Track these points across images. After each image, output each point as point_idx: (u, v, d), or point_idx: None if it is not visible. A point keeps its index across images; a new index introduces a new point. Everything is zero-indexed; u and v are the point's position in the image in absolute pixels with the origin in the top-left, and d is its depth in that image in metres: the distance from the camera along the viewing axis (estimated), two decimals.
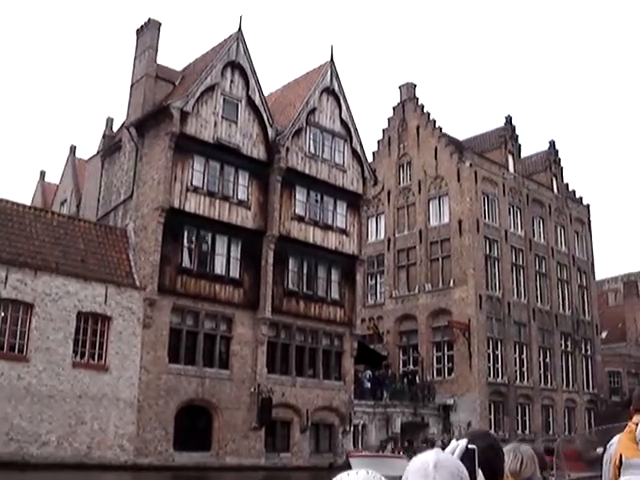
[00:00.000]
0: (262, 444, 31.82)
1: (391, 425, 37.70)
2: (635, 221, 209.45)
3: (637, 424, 4.10)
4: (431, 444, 32.90)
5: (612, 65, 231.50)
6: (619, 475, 4.03)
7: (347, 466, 32.65)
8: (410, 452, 30.27)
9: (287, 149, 34.16)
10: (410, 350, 46.14)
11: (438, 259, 46.10)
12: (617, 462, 4.11)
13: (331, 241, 35.53)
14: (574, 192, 56.19)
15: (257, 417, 31.34)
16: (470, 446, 2.41)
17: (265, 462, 31.65)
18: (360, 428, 36.66)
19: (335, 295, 35.48)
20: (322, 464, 32.51)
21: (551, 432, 46.78)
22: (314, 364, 34.50)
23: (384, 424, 37.77)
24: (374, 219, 50.10)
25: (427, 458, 2.24)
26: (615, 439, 4.37)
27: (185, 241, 30.87)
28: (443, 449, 2.41)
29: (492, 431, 42.37)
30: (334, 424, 35.02)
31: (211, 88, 32.28)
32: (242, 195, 32.64)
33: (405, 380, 41.92)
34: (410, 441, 34.10)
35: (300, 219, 34.47)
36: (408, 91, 51.05)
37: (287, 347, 33.60)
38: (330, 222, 35.74)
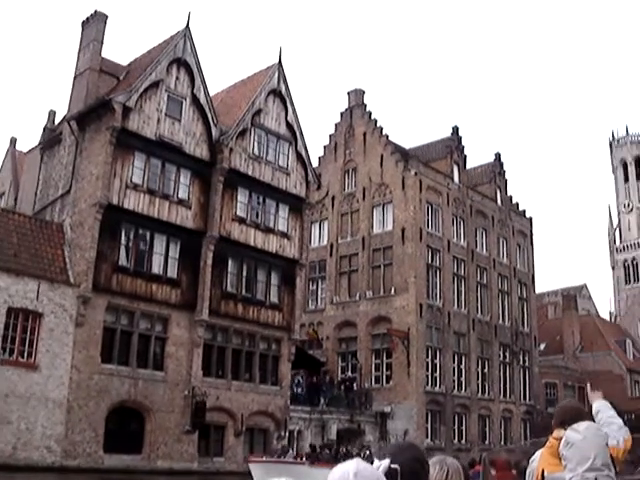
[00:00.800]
0: (195, 448, 31.24)
1: (327, 431, 37.43)
2: (575, 238, 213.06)
3: (558, 439, 4.10)
4: (334, 451, 32.91)
5: (559, 82, 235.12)
6: None
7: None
8: (312, 458, 29.77)
9: (230, 149, 33.72)
10: (349, 357, 45.92)
11: (380, 266, 45.97)
12: (539, 477, 4.21)
13: (272, 244, 35.13)
14: (517, 205, 56.67)
15: (190, 420, 30.76)
16: (393, 466, 2.50)
17: (198, 466, 31.07)
18: (296, 434, 36.30)
19: (274, 299, 35.08)
20: None
21: (487, 442, 47.05)
22: (250, 368, 34.03)
23: (320, 430, 37.47)
24: (317, 224, 49.92)
25: (348, 467, 2.33)
26: (537, 454, 4.44)
27: (122, 239, 30.14)
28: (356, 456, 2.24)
29: (429, 440, 42.59)
30: (269, 429, 34.61)
31: (155, 84, 31.70)
32: (183, 194, 32.06)
33: (343, 387, 41.70)
34: (313, 447, 33.20)
35: (241, 221, 34.00)
36: (356, 97, 50.93)
37: (223, 350, 33.05)
38: (272, 225, 35.35)
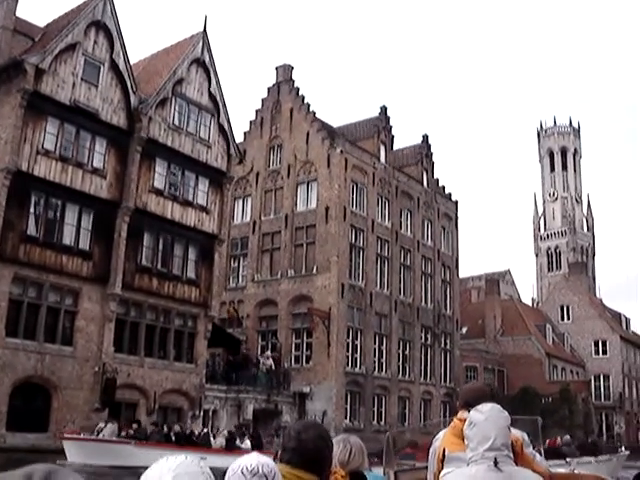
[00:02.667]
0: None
1: (243, 411, 36.63)
2: (501, 224, 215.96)
3: (461, 420, 4.26)
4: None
5: (491, 70, 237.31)
6: (442, 468, 4.22)
7: None
8: (140, 435, 27.30)
9: (150, 118, 32.51)
10: (269, 336, 45.18)
11: (302, 245, 45.26)
12: (440, 456, 4.35)
13: (190, 218, 34.04)
14: (444, 188, 56.53)
15: (100, 398, 29.61)
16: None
17: None
18: (211, 413, 35.46)
19: (191, 274, 34.03)
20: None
21: (407, 423, 46.96)
22: (165, 345, 32.96)
23: (236, 410, 36.67)
24: (241, 200, 49.01)
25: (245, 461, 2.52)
26: (440, 434, 4.62)
27: (32, 207, 28.60)
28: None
29: (347, 421, 42.26)
30: (183, 408, 33.65)
31: (72, 47, 30.24)
32: (98, 163, 30.72)
33: (261, 366, 40.88)
34: (138, 421, 29.26)
35: (158, 193, 32.82)
36: (285, 72, 49.92)
37: (137, 326, 31.85)
38: (190, 198, 34.22)
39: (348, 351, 43.51)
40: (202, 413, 34.43)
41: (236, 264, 48.45)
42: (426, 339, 51.06)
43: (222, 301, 45.93)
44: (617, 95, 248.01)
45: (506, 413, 3.93)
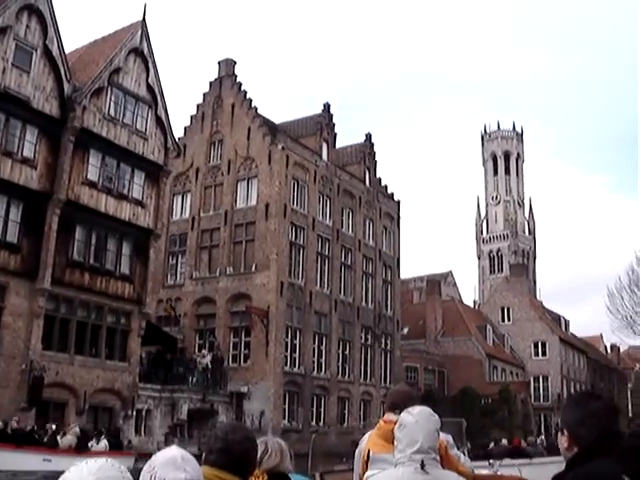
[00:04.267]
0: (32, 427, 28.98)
1: (177, 411, 35.67)
2: (444, 226, 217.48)
3: (387, 422, 4.45)
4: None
5: (439, 72, 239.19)
6: (367, 469, 4.42)
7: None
8: None
9: (84, 108, 31.39)
10: (207, 334, 44.27)
11: (242, 242, 44.45)
12: (365, 457, 4.52)
13: (125, 212, 32.96)
14: (386, 187, 56.24)
15: (27, 397, 28.47)
16: None
17: None
18: (144, 413, 34.44)
19: (125, 270, 32.94)
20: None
21: (346, 424, 46.49)
22: (96, 342, 31.78)
23: (170, 410, 35.70)
24: (180, 196, 48.06)
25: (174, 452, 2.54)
26: (366, 436, 4.80)
27: None
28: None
29: (286, 421, 41.61)
30: (115, 407, 32.57)
31: (2, 31, 28.91)
32: (28, 152, 29.48)
33: (197, 365, 39.93)
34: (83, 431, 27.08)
35: (92, 185, 31.67)
36: (227, 67, 49.05)
37: (67, 322, 30.61)
38: (125, 191, 33.13)
39: (287, 350, 42.85)
40: (135, 413, 33.43)
41: (174, 261, 47.45)
42: (366, 339, 50.67)
43: (159, 299, 45.00)
44: (559, 100, 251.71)
45: (436, 417, 3.96)
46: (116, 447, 25.98)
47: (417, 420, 3.81)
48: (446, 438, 4.65)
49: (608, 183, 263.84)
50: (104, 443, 26.09)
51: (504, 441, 33.97)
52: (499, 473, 12.34)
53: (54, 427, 26.55)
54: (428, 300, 71.30)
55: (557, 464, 3.18)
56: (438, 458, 3.84)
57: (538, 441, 39.66)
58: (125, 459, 23.71)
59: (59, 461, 22.90)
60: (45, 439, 25.64)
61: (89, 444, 26.03)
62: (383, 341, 52.67)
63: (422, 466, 3.66)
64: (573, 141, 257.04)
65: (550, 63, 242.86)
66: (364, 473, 4.46)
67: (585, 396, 3.13)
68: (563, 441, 2.96)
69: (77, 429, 26.28)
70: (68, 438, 25.67)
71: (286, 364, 42.58)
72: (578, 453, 2.85)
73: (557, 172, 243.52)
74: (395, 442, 3.85)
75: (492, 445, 34.20)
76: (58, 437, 25.97)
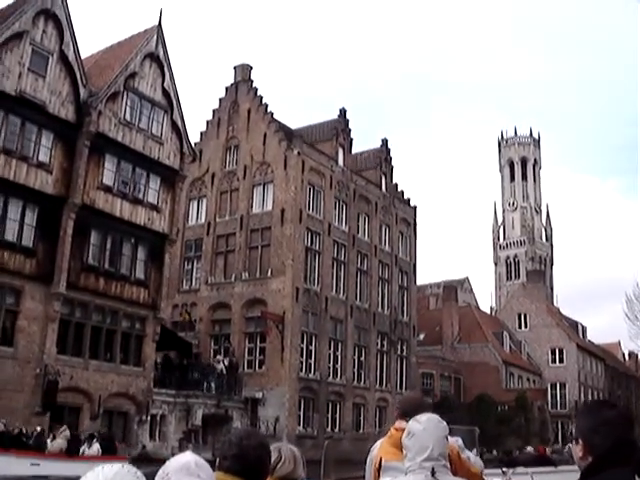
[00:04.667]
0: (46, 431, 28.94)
1: (192, 417, 35.59)
2: (461, 232, 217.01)
3: (398, 429, 4.38)
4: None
5: (456, 77, 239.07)
6: (379, 477, 4.42)
7: (144, 458, 30.41)
8: None
9: (99, 113, 31.42)
10: (222, 340, 44.19)
11: (257, 247, 44.35)
12: (377, 465, 4.49)
13: (140, 216, 32.94)
14: (402, 193, 56.03)
15: (41, 401, 28.44)
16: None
17: None
18: (159, 418, 34.38)
19: (140, 275, 32.92)
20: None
21: (361, 431, 46.20)
22: (111, 347, 31.80)
23: (185, 415, 35.63)
24: (196, 202, 48.05)
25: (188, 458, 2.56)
26: (378, 443, 4.76)
27: None
28: None
29: (301, 428, 41.41)
30: (129, 412, 32.54)
31: (19, 35, 29.03)
32: (44, 157, 29.54)
33: (211, 370, 39.81)
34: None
35: (107, 190, 31.69)
36: (243, 72, 49.02)
37: (82, 327, 30.64)
38: (141, 196, 33.14)
39: (302, 356, 42.68)
40: (149, 418, 33.38)
41: (190, 266, 47.40)
42: (382, 345, 50.44)
43: (175, 304, 44.97)
44: (577, 107, 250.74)
45: (444, 423, 3.93)
46: (109, 451, 24.89)
47: (425, 428, 3.80)
48: (456, 441, 4.64)
49: (620, 187, 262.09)
50: (96, 447, 24.87)
51: (529, 448, 33.63)
52: None
53: (38, 429, 25.64)
54: (444, 306, 70.99)
55: (572, 473, 3.17)
56: (448, 465, 3.83)
57: (565, 449, 39.18)
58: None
59: (48, 465, 22.29)
60: (31, 442, 24.69)
61: (81, 448, 24.98)
62: (399, 347, 52.41)
63: (432, 473, 3.66)
64: (586, 146, 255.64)
65: (566, 69, 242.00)
66: None
67: (599, 404, 3.06)
68: (577, 450, 2.90)
69: (67, 432, 25.40)
70: (58, 442, 24.82)
71: (301, 370, 42.42)
72: (593, 462, 2.78)
73: (572, 177, 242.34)
74: (404, 450, 3.85)
75: (517, 453, 33.87)
76: (48, 440, 25.11)
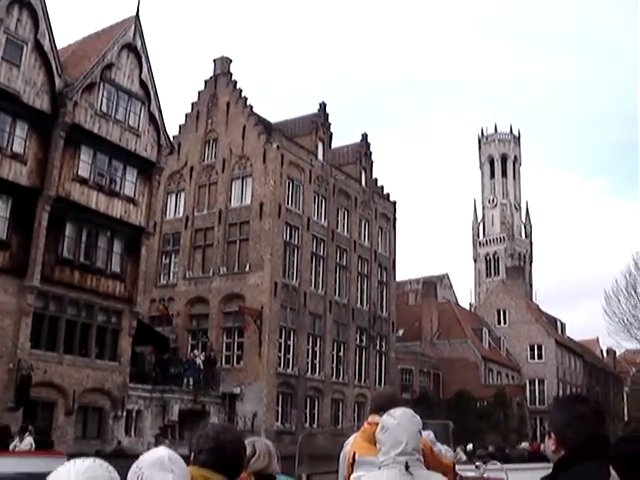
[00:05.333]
0: (18, 427, 28.37)
1: (168, 412, 35.18)
2: (441, 229, 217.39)
3: (372, 424, 4.43)
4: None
5: (438, 74, 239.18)
6: (352, 471, 4.42)
7: (118, 453, 30.03)
8: None
9: (75, 103, 30.87)
10: (200, 334, 43.76)
11: (236, 242, 43.94)
12: (350, 460, 4.51)
13: (116, 209, 32.43)
14: (382, 188, 55.78)
15: (14, 396, 27.96)
16: None
17: None
18: (134, 414, 33.93)
19: (116, 268, 32.40)
20: (88, 451, 29.38)
21: (340, 426, 45.93)
22: (86, 341, 31.25)
23: (161, 410, 35.21)
24: (174, 195, 47.56)
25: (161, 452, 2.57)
26: (351, 438, 4.85)
27: None
28: None
29: (279, 423, 41.10)
30: (105, 408, 32.07)
31: None
32: (18, 148, 28.94)
33: (188, 365, 39.41)
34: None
35: (83, 182, 31.13)
36: (223, 65, 48.55)
37: (56, 320, 30.06)
38: (117, 189, 32.60)
39: (280, 351, 42.36)
40: (125, 413, 32.94)
41: (167, 260, 46.93)
42: (361, 341, 50.21)
43: (152, 298, 44.58)
44: (562, 107, 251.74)
45: (418, 417, 4.02)
46: (43, 446, 22.85)
47: (399, 422, 3.88)
48: (427, 435, 4.79)
49: (603, 186, 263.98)
50: (28, 441, 22.31)
51: (524, 444, 33.35)
52: (485, 476, 12.00)
53: None
54: (424, 302, 70.80)
55: (545, 470, 3.08)
56: (422, 459, 3.92)
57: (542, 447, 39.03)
58: (54, 459, 22.39)
59: None
60: None
61: (13, 443, 22.42)
62: (378, 343, 52.23)
63: (406, 468, 3.72)
64: (568, 144, 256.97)
65: (546, 67, 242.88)
66: (349, 476, 4.48)
67: (572, 399, 3.15)
68: (550, 444, 2.97)
69: None
70: None
71: (280, 365, 42.10)
72: (565, 456, 2.86)
73: (553, 175, 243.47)
74: (378, 445, 3.92)
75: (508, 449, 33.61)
76: None
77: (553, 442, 2.94)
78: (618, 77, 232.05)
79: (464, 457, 25.43)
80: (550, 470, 2.92)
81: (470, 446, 31.60)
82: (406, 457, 3.76)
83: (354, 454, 4.51)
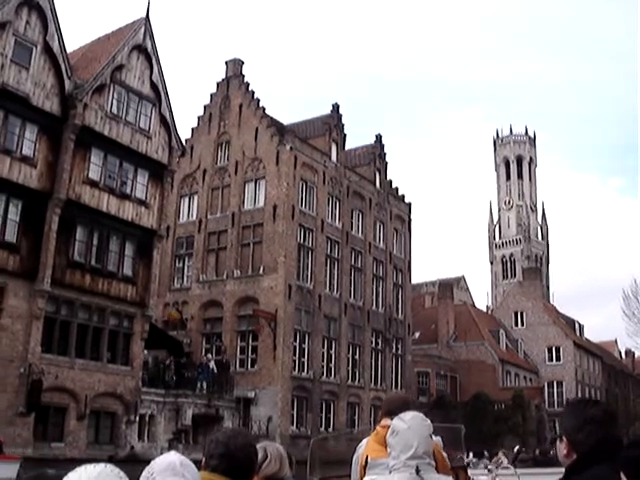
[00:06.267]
0: (30, 432, 28.06)
1: (181, 417, 34.85)
2: (457, 231, 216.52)
3: (384, 427, 4.35)
4: None
5: (453, 76, 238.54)
6: (365, 475, 4.37)
7: (131, 459, 29.72)
8: None
9: (85, 105, 30.63)
10: (214, 338, 43.46)
11: (249, 244, 43.64)
12: (363, 462, 4.49)
13: (127, 212, 32.16)
14: (397, 189, 55.38)
15: (25, 401, 27.67)
16: None
17: (33, 452, 27.80)
18: (147, 418, 33.61)
19: (128, 271, 32.11)
20: (101, 456, 28.95)
21: (356, 430, 45.48)
22: (98, 345, 30.95)
23: (174, 415, 34.88)
24: (187, 198, 47.33)
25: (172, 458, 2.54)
26: (364, 441, 4.76)
27: None
28: None
29: (294, 427, 40.76)
30: (117, 413, 31.76)
31: (1, 26, 28.20)
32: (27, 151, 28.72)
33: (201, 369, 39.05)
34: None
35: (93, 184, 30.88)
36: (235, 67, 48.32)
37: (68, 325, 29.78)
38: (128, 191, 32.33)
39: (295, 355, 41.98)
40: (138, 418, 32.60)
41: (181, 264, 46.69)
42: (377, 344, 49.76)
43: (166, 302, 44.40)
44: (572, 105, 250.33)
45: (428, 421, 3.98)
46: None
47: (410, 426, 3.86)
48: (439, 441, 4.73)
49: (621, 186, 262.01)
50: None
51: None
52: None
53: None
54: (440, 304, 70.27)
55: (556, 475, 3.08)
56: (433, 463, 3.87)
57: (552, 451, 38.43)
58: (7, 465, 22.30)
59: None
60: None
61: None
62: (394, 345, 51.79)
63: (417, 471, 3.73)
64: (583, 145, 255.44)
65: (561, 67, 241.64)
66: (362, 478, 4.46)
67: (583, 402, 3.10)
68: (562, 448, 2.93)
69: None
70: None
71: (294, 369, 41.73)
72: (577, 460, 2.83)
73: (569, 176, 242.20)
74: (388, 448, 3.91)
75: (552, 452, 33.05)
76: None
77: (565, 446, 2.90)
78: (633, 77, 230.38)
79: (505, 461, 25.03)
80: (562, 475, 2.88)
81: (516, 448, 31.05)
82: (416, 461, 3.76)
83: (367, 457, 4.47)
